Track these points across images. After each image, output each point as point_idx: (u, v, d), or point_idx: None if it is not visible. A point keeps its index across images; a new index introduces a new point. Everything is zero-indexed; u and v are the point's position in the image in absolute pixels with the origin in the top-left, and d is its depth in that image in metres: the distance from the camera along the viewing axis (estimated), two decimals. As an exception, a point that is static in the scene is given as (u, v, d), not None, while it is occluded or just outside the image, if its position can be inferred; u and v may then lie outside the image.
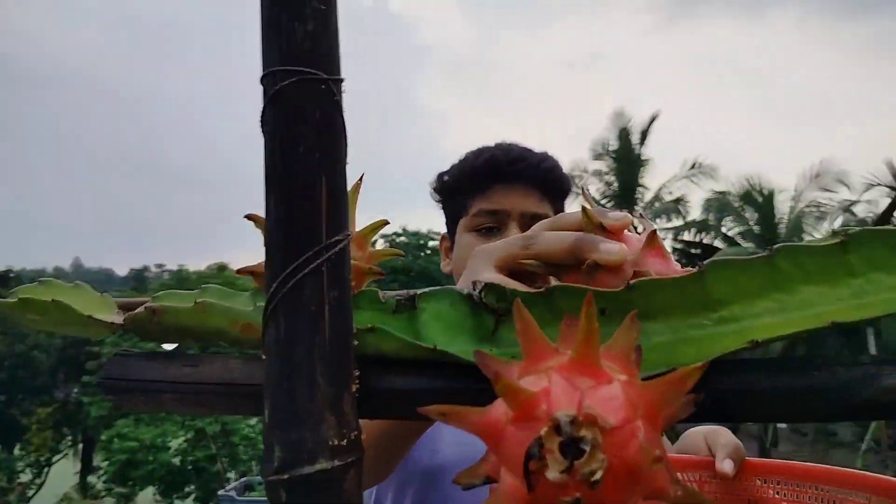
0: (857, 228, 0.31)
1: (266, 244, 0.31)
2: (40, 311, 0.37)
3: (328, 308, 0.30)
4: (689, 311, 0.31)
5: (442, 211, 1.04)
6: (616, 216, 0.38)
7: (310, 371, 0.29)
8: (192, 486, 7.67)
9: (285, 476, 0.28)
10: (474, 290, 0.34)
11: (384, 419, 0.34)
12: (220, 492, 4.54)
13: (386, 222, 0.38)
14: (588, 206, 0.40)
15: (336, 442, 0.29)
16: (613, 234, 0.38)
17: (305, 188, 0.31)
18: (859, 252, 0.30)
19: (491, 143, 0.99)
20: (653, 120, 12.98)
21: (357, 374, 0.31)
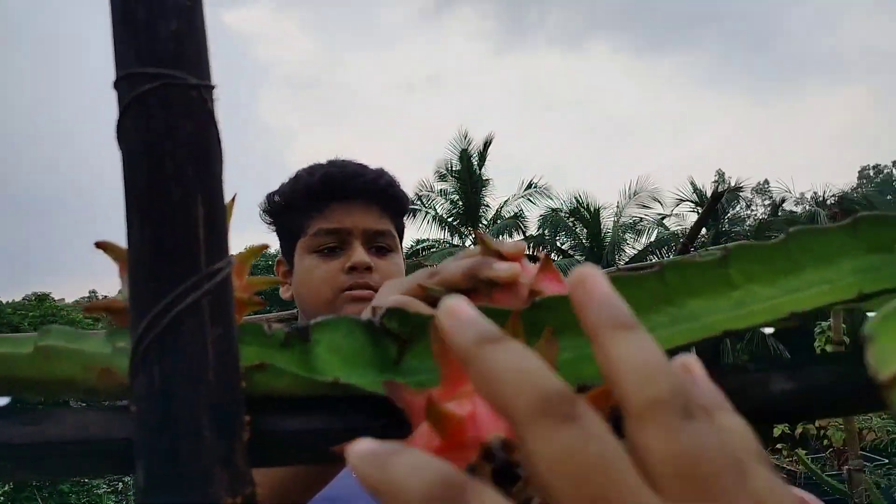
0: (735, 244, 0.33)
1: (131, 276, 0.27)
2: None
3: (212, 347, 0.26)
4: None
5: (275, 233, 0.98)
6: (511, 244, 0.40)
7: (194, 422, 0.25)
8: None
9: (170, 550, 0.24)
10: (374, 316, 0.32)
11: (277, 467, 0.31)
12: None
13: (266, 246, 0.34)
14: (485, 238, 0.40)
15: (230, 501, 0.25)
16: (511, 260, 0.38)
17: (178, 210, 0.27)
18: (737, 266, 0.32)
19: (323, 160, 0.96)
20: (488, 143, 13.63)
21: (248, 419, 0.27)
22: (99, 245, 0.34)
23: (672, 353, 0.30)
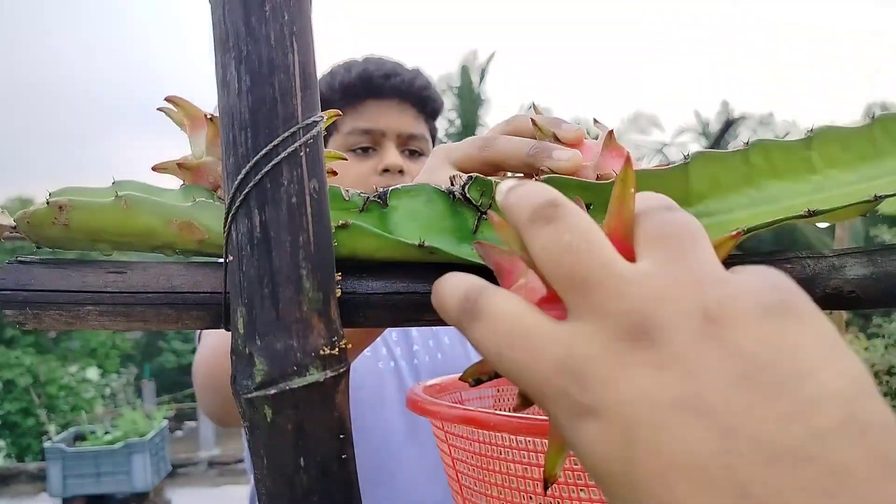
0: (821, 126, 0.32)
1: (224, 125, 0.26)
2: None
3: (309, 198, 0.26)
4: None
5: None
6: (570, 128, 0.38)
7: (294, 272, 0.25)
8: (3, 443, 6.88)
9: (271, 391, 0.24)
10: (453, 185, 0.31)
11: (361, 327, 0.31)
12: (47, 444, 4.10)
13: (338, 113, 0.33)
14: (540, 122, 0.38)
15: (327, 351, 0.25)
16: (570, 146, 0.36)
17: (275, 56, 0.25)
18: (820, 149, 0.32)
19: (359, 57, 0.93)
20: (490, 58, 13.24)
21: (339, 276, 0.27)
22: (168, 100, 0.33)
23: (750, 232, 0.30)
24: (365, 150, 0.86)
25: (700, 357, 0.16)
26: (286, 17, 0.26)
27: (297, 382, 0.24)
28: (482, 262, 0.30)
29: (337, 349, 0.26)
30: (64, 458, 3.86)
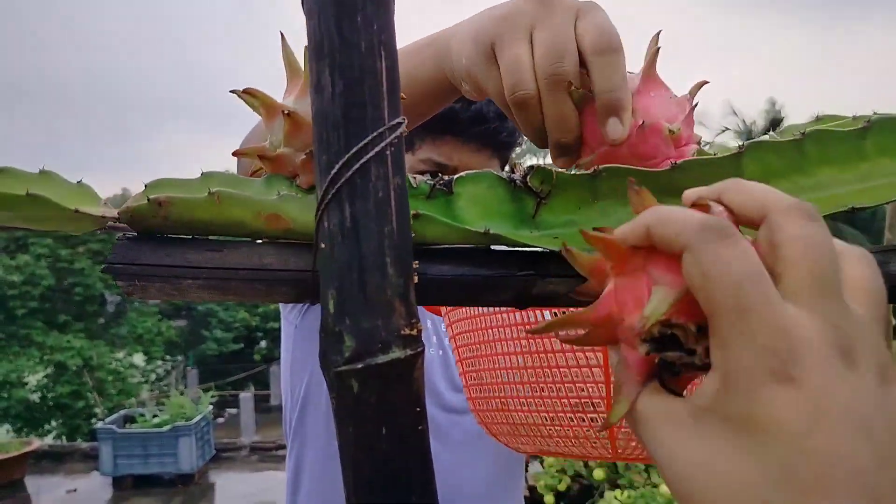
0: (881, 115, 0.33)
1: (317, 124, 0.29)
2: (11, 206, 0.31)
3: (394, 193, 0.28)
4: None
5: None
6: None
7: (380, 259, 0.28)
8: (55, 423, 7.19)
9: (359, 366, 0.27)
10: (513, 173, 0.34)
11: (428, 305, 0.34)
12: (99, 424, 4.29)
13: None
14: None
15: (407, 331, 0.28)
16: None
17: (366, 63, 0.28)
18: (874, 138, 0.33)
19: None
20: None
21: (416, 263, 0.30)
22: (247, 91, 0.36)
23: None
24: (432, 174, 0.88)
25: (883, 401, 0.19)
26: (375, 27, 0.28)
27: (381, 358, 0.27)
28: (541, 247, 0.32)
29: (415, 330, 0.28)
30: (114, 439, 4.02)
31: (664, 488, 2.26)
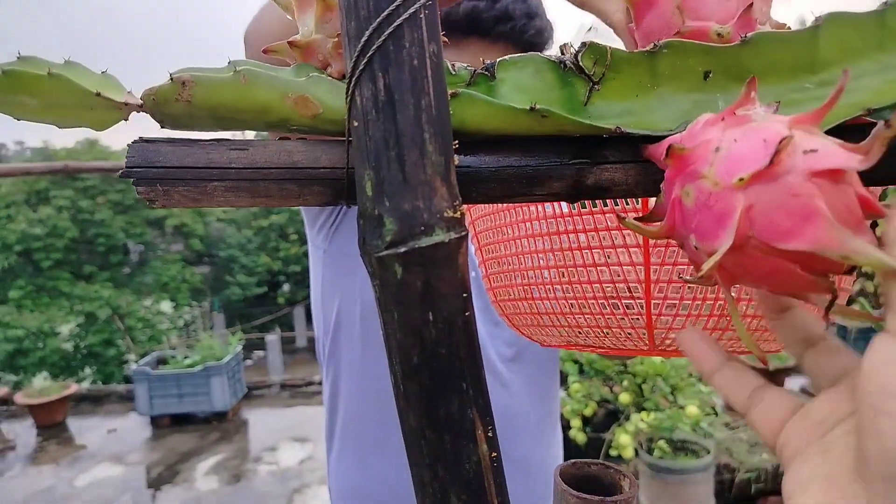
0: None
1: (343, -11, 0.26)
2: (32, 89, 0.29)
3: (429, 62, 0.26)
4: (795, 72, 0.30)
5: None
6: None
7: (419, 135, 0.25)
8: (89, 371, 7.43)
9: (401, 250, 0.25)
10: (563, 54, 0.31)
11: (474, 203, 0.31)
12: (133, 367, 4.42)
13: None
14: None
15: (450, 214, 0.26)
16: None
17: (392, -85, 0.25)
18: None
19: None
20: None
21: (456, 143, 0.28)
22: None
23: (877, 112, 0.28)
24: None
25: None
26: None
27: (424, 241, 0.25)
28: (595, 128, 0.30)
29: (459, 213, 0.26)
30: (149, 380, 4.14)
31: (690, 409, 2.28)
